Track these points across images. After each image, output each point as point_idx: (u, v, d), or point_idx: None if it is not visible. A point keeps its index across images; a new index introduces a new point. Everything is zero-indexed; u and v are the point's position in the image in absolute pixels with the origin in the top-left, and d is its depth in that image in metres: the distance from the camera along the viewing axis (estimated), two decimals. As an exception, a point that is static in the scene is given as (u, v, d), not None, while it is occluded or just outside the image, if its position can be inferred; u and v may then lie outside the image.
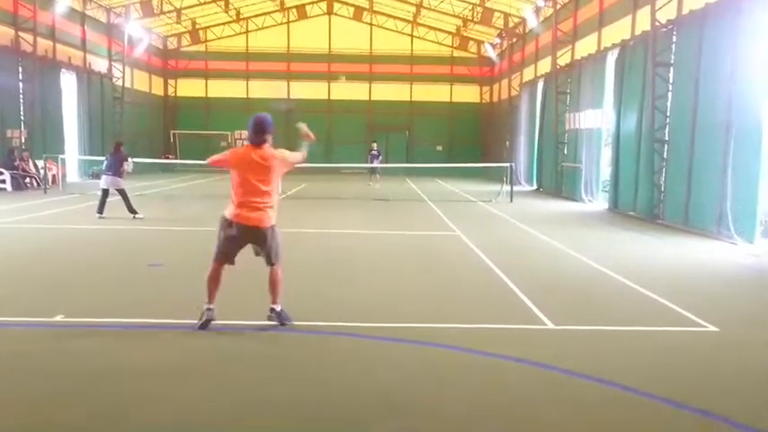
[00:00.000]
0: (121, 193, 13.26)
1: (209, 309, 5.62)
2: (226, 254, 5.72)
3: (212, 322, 5.63)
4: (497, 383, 4.63)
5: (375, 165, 25.70)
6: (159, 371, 4.72)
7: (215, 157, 6.03)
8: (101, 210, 13.07)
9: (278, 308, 5.77)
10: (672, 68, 14.53)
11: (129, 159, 13.55)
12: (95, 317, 6.01)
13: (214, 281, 5.69)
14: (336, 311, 6.45)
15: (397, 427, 3.89)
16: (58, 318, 5.92)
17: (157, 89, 36.86)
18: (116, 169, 13.17)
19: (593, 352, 5.37)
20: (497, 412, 4.14)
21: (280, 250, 5.84)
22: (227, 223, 5.68)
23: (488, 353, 5.21)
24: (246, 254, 5.92)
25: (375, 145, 26.49)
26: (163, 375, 4.64)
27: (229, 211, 5.69)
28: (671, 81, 14.54)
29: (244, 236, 5.67)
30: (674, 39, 14.47)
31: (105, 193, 13.22)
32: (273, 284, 5.80)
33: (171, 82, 37.92)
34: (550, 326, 6.04)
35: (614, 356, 5.26)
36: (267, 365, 4.90)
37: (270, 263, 5.79)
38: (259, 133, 5.74)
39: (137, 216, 13.05)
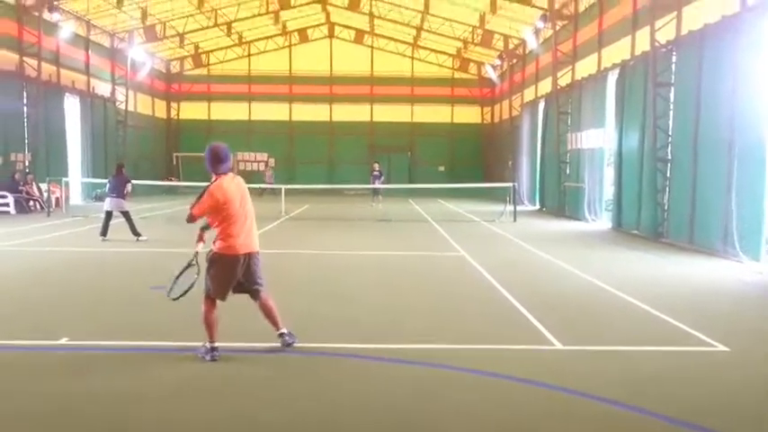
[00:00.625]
0: (125, 215, 13.27)
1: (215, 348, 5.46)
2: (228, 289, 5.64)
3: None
4: (505, 405, 4.57)
5: (377, 185, 25.70)
6: (163, 394, 4.67)
7: (197, 208, 5.57)
8: (104, 232, 13.06)
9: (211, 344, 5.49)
10: (672, 88, 14.60)
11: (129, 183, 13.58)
12: (100, 339, 5.97)
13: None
14: (340, 333, 6.41)
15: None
16: (63, 340, 5.88)
17: (160, 112, 37.14)
18: (119, 191, 13.19)
19: (601, 373, 5.30)
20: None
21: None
22: (234, 258, 5.52)
23: (495, 373, 5.16)
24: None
25: (377, 165, 26.51)
26: (165, 398, 4.59)
27: (229, 244, 5.49)
28: (672, 100, 14.60)
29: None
30: (674, 59, 14.56)
31: (109, 215, 13.22)
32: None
33: (174, 105, 38.22)
34: (558, 346, 5.98)
35: (623, 377, 5.19)
36: (270, 388, 4.84)
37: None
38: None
39: (140, 238, 13.04)
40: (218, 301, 5.59)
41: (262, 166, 37.26)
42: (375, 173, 26.02)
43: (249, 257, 5.61)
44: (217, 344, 5.45)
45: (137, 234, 13.11)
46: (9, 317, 6.97)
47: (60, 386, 4.81)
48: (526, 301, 7.80)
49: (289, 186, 23.69)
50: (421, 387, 4.90)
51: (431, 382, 5.03)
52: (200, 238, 5.74)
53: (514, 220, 18.95)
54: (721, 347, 5.98)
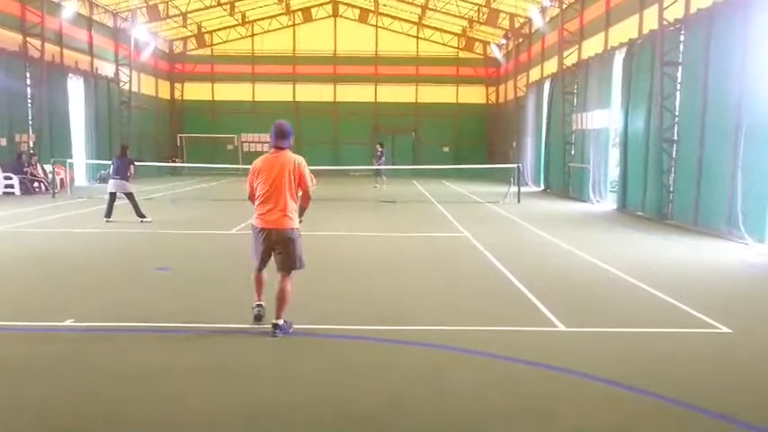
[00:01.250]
0: (129, 196, 13.29)
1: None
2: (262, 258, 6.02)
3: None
4: (508, 386, 4.59)
5: (379, 166, 25.64)
6: (168, 374, 4.71)
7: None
8: (108, 214, 13.10)
9: (279, 321, 5.65)
10: (680, 67, 14.44)
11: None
12: (105, 321, 6.01)
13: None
14: (345, 314, 6.43)
15: (407, 427, 3.85)
16: (68, 322, 5.93)
17: (164, 93, 37.00)
18: (123, 173, 13.20)
19: (605, 354, 5.32)
20: (509, 415, 4.10)
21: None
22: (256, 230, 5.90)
23: (499, 355, 5.18)
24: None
25: (380, 146, 26.43)
26: (171, 378, 4.63)
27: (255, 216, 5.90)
28: (679, 80, 14.45)
29: None
30: (682, 38, 14.38)
31: (113, 196, 13.25)
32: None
33: (177, 86, 38.05)
34: (562, 328, 5.99)
35: (627, 359, 5.21)
36: (276, 368, 4.87)
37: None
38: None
39: (144, 220, 13.07)
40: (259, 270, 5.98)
41: (266, 147, 37.14)
42: (378, 153, 25.92)
43: (272, 234, 5.73)
44: (259, 302, 6.01)
45: (141, 216, 13.15)
46: (14, 298, 7.02)
47: (65, 367, 4.85)
48: (529, 282, 7.80)
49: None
50: (424, 368, 4.93)
51: (434, 364, 5.05)
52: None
53: (518, 201, 18.90)
54: (724, 329, 5.98)
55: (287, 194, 5.65)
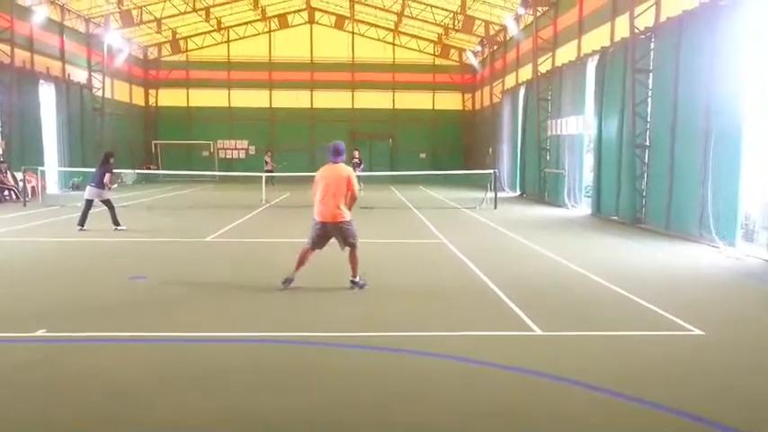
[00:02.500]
0: (107, 203, 13.11)
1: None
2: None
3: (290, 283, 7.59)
4: (485, 391, 4.61)
5: (357, 173, 25.35)
6: (140, 383, 4.64)
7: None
8: (82, 222, 12.88)
9: (355, 279, 7.75)
10: (651, 74, 14.73)
11: (132, 171, 13.42)
12: (78, 331, 5.91)
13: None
14: (320, 322, 6.41)
15: (383, 429, 3.86)
16: (40, 332, 5.81)
17: (138, 99, 36.57)
18: (98, 181, 13.01)
19: (580, 357, 5.38)
20: (485, 419, 4.12)
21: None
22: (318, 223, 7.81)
23: (476, 360, 5.21)
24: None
25: (357, 153, 26.28)
26: (144, 387, 4.56)
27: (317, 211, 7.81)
28: (650, 87, 14.74)
29: None
30: (653, 45, 14.68)
31: (88, 204, 13.04)
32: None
33: (152, 92, 37.64)
34: (538, 332, 6.05)
35: (602, 361, 5.28)
36: (252, 374, 4.83)
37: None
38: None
39: (119, 228, 12.89)
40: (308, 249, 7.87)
41: (242, 154, 36.93)
42: (355, 160, 25.69)
43: (328, 225, 7.67)
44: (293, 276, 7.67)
45: (116, 224, 12.96)
46: (-16, 309, 6.86)
47: (36, 377, 4.75)
48: (506, 287, 7.86)
49: (269, 174, 23.51)
50: (402, 374, 4.93)
51: (410, 369, 5.06)
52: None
53: (495, 206, 19.05)
54: (697, 331, 6.09)
55: (339, 196, 7.62)
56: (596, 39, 18.31)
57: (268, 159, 28.91)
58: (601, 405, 4.38)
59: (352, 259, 7.80)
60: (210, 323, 6.30)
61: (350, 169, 7.92)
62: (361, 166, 25.73)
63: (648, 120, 14.74)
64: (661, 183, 13.77)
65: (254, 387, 4.63)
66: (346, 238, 7.75)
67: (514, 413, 4.22)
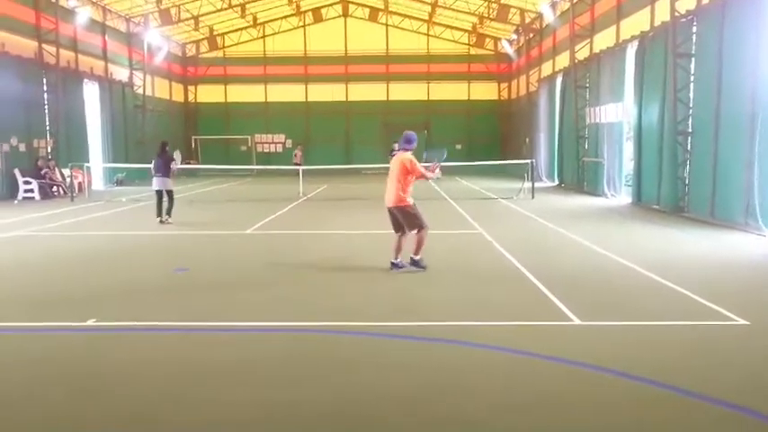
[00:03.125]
0: (169, 194, 13.47)
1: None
2: None
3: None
4: (524, 381, 4.63)
5: None
6: (184, 372, 4.81)
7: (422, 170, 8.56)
8: (159, 213, 13.31)
9: (415, 257, 8.33)
10: (693, 59, 14.33)
11: (176, 158, 13.73)
12: (126, 320, 6.13)
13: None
14: (362, 311, 6.50)
15: (421, 423, 3.91)
16: (90, 322, 6.06)
17: (178, 96, 37.33)
18: (165, 170, 13.39)
19: (620, 347, 5.34)
20: (524, 409, 4.14)
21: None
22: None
23: (514, 350, 5.22)
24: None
25: (396, 145, 26.39)
26: (188, 377, 4.72)
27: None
28: (692, 72, 14.35)
29: None
30: (695, 29, 14.27)
31: (159, 194, 13.43)
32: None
33: (191, 88, 38.38)
34: (577, 322, 6.01)
35: (642, 351, 5.22)
36: (293, 366, 4.95)
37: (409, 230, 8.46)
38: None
39: (166, 220, 13.24)
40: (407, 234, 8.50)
41: (279, 148, 37.34)
42: (394, 152, 25.80)
43: (390, 209, 8.48)
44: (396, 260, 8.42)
45: (168, 214, 13.33)
46: (37, 299, 7.18)
47: (89, 364, 4.97)
48: (544, 277, 7.82)
49: (306, 167, 23.77)
50: (441, 364, 4.98)
51: (448, 359, 5.11)
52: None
53: (533, 196, 18.86)
54: (741, 321, 5.96)
55: (396, 182, 8.32)
56: (636, 23, 17.89)
57: (298, 153, 29.44)
58: (640, 395, 4.35)
59: (417, 239, 8.33)
60: (250, 313, 6.46)
61: (406, 155, 8.43)
62: None
63: (691, 106, 14.36)
64: (705, 170, 13.42)
65: (288, 378, 4.72)
66: (407, 222, 8.33)
67: (551, 402, 4.22)
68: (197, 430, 3.86)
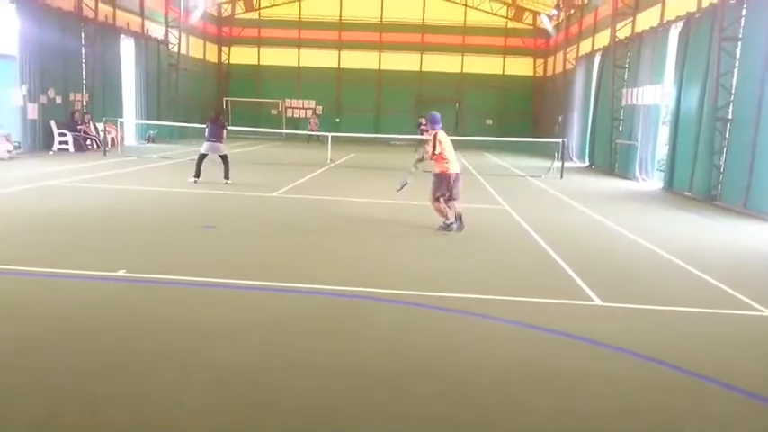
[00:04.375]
0: (224, 158, 13.82)
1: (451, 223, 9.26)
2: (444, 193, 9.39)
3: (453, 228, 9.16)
4: (541, 357, 4.66)
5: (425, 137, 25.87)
6: (210, 325, 4.94)
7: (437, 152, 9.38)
8: (197, 174, 13.62)
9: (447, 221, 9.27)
10: (739, 43, 13.88)
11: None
12: (155, 273, 6.30)
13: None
14: (381, 279, 6.57)
15: (436, 394, 3.98)
16: (121, 272, 6.23)
17: (211, 56, 37.40)
18: (218, 136, 13.80)
19: (640, 330, 5.33)
20: (539, 385, 4.18)
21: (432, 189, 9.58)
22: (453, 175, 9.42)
23: (532, 325, 5.25)
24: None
25: (423, 120, 26.50)
26: (213, 329, 4.86)
27: (451, 167, 9.43)
28: (737, 57, 13.90)
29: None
30: (744, 12, 13.78)
31: (202, 157, 13.80)
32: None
33: (224, 49, 38.40)
34: (598, 302, 6.00)
35: (662, 336, 5.21)
36: (315, 329, 5.05)
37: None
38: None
39: (228, 182, 13.60)
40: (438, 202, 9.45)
41: (309, 114, 37.35)
42: (423, 127, 25.96)
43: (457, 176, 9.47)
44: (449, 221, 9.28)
45: (228, 177, 13.71)
46: (70, 249, 7.39)
47: (118, 313, 5.14)
48: (568, 256, 7.79)
49: (335, 134, 23.77)
50: (459, 336, 5.04)
51: (468, 331, 5.16)
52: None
53: (561, 176, 18.64)
54: (767, 312, 5.89)
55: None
56: (681, 4, 17.29)
57: (313, 120, 29.93)
58: (655, 377, 4.36)
59: (446, 207, 9.37)
60: (274, 273, 6.57)
61: (432, 135, 9.45)
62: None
63: (733, 92, 13.96)
64: (742, 159, 13.10)
65: (307, 337, 4.83)
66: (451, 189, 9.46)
67: (568, 381, 4.25)
68: (223, 376, 3.98)
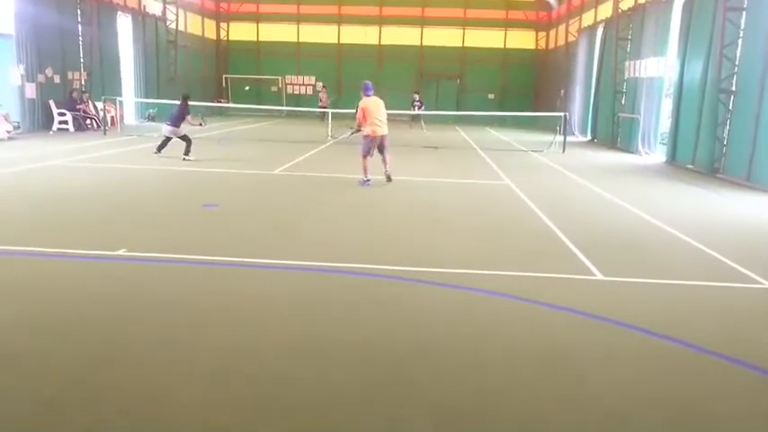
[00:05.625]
0: (185, 138, 13.68)
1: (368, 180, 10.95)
2: (371, 151, 10.96)
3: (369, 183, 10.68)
4: (540, 331, 4.67)
5: (419, 112, 26.91)
6: (213, 303, 4.96)
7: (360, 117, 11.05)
8: (159, 149, 13.61)
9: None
10: (744, 13, 13.66)
11: (191, 119, 13.92)
12: (155, 252, 6.30)
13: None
14: (383, 256, 6.57)
15: (433, 364, 4.00)
16: (121, 251, 6.24)
17: (210, 33, 37.01)
18: (175, 120, 13.59)
19: (641, 304, 5.33)
20: (537, 358, 4.19)
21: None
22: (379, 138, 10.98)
23: (532, 300, 5.25)
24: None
25: (416, 95, 27.55)
26: (216, 308, 4.87)
27: (379, 129, 10.97)
28: (742, 27, 13.70)
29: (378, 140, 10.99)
30: (750, -19, 13.55)
31: (167, 139, 13.78)
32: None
33: (223, 25, 37.98)
34: (599, 276, 6.00)
35: (664, 309, 5.21)
36: (316, 306, 5.06)
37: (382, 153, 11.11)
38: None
39: (187, 158, 13.41)
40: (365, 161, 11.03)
41: (310, 90, 37.05)
42: (416, 102, 27.00)
43: (382, 138, 11.00)
44: (368, 177, 10.92)
45: (186, 153, 13.48)
46: (71, 228, 7.40)
47: (118, 292, 5.15)
48: (569, 231, 7.77)
49: (336, 110, 23.62)
50: (456, 310, 5.05)
51: (467, 306, 5.17)
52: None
53: (563, 150, 18.54)
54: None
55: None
56: (686, -27, 17.00)
57: (323, 95, 29.93)
58: (654, 349, 4.37)
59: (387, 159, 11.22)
60: (274, 251, 6.57)
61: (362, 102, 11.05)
62: (422, 107, 26.94)
63: (737, 63, 13.78)
64: (745, 131, 12.99)
65: (298, 316, 4.84)
66: (384, 147, 11.22)
67: (565, 353, 4.26)
68: (224, 355, 4.00)
